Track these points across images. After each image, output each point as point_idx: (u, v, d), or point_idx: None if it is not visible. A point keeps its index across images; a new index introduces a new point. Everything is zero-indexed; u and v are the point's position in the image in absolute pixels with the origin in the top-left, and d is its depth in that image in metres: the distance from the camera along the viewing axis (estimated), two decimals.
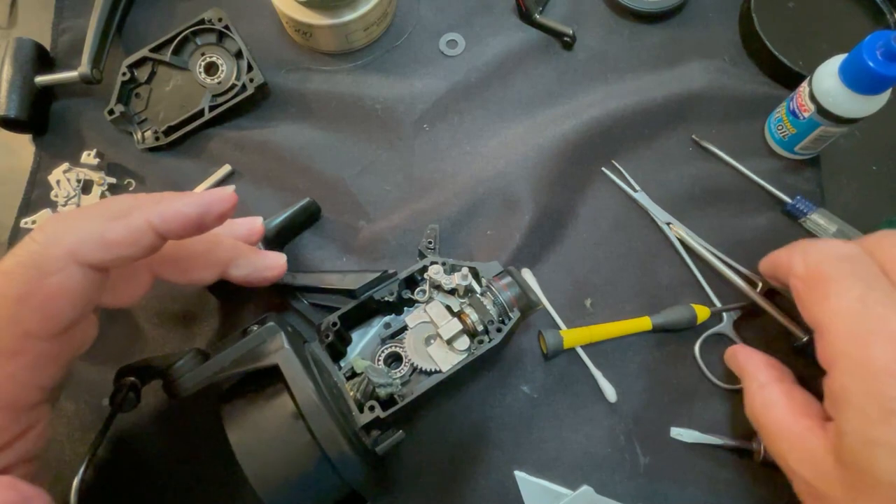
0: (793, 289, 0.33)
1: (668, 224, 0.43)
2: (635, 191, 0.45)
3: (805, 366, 0.30)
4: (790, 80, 0.47)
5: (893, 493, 0.25)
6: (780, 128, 0.44)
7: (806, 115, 0.41)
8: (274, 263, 0.37)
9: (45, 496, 0.28)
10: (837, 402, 0.28)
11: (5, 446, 0.28)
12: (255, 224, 0.38)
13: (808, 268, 0.32)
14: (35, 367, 0.28)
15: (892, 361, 0.26)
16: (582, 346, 0.41)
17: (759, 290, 0.41)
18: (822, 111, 0.40)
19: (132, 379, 0.34)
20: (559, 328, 0.41)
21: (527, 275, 0.43)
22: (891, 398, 0.26)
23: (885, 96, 0.39)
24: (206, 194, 0.31)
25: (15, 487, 0.27)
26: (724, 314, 0.42)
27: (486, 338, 0.35)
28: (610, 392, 0.40)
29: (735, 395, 0.40)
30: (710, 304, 0.42)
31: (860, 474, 0.27)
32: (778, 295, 0.41)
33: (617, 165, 0.46)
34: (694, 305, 0.41)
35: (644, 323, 0.41)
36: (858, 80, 0.38)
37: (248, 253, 0.36)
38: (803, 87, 0.42)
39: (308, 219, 0.44)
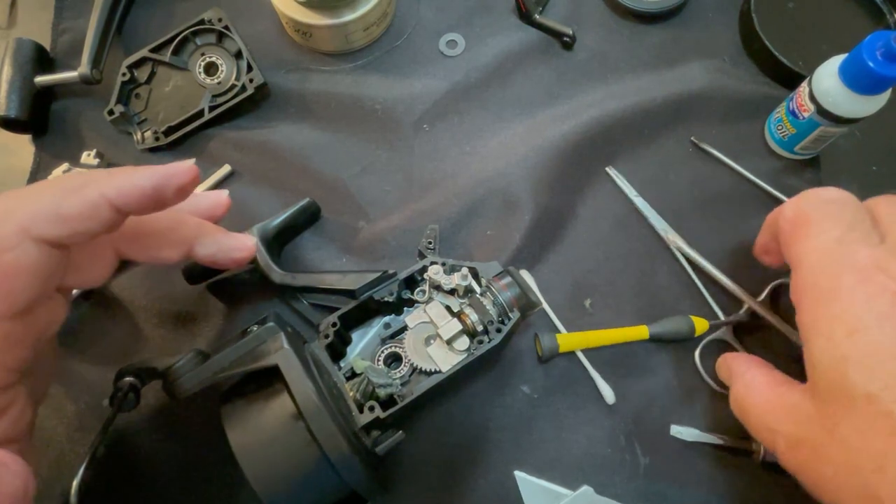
0: (780, 233, 0.34)
1: (667, 235, 0.43)
2: (635, 196, 0.45)
3: (802, 373, 0.30)
4: (790, 80, 0.47)
5: (868, 404, 0.26)
6: (779, 128, 0.44)
7: (806, 115, 0.41)
8: (241, 245, 0.36)
9: (18, 462, 0.27)
10: (808, 333, 0.29)
11: None
12: (219, 197, 0.37)
13: (795, 210, 0.33)
14: (0, 348, 0.27)
15: (856, 285, 0.28)
16: (582, 350, 0.41)
17: (759, 298, 0.41)
18: (821, 111, 0.40)
19: (132, 379, 0.34)
20: (558, 330, 0.41)
21: (525, 276, 0.43)
22: (854, 316, 0.27)
23: (884, 96, 0.39)
24: (164, 167, 0.30)
25: None
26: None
27: (485, 338, 0.35)
28: (608, 394, 0.40)
29: None
30: (709, 309, 0.42)
31: (835, 398, 0.28)
32: (778, 303, 0.41)
33: (612, 171, 0.46)
34: (693, 318, 0.41)
35: (641, 332, 0.40)
36: (858, 80, 0.38)
37: (214, 232, 0.36)
38: (803, 88, 0.42)
39: (308, 219, 0.44)
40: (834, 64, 0.39)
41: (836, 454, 0.28)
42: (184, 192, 0.31)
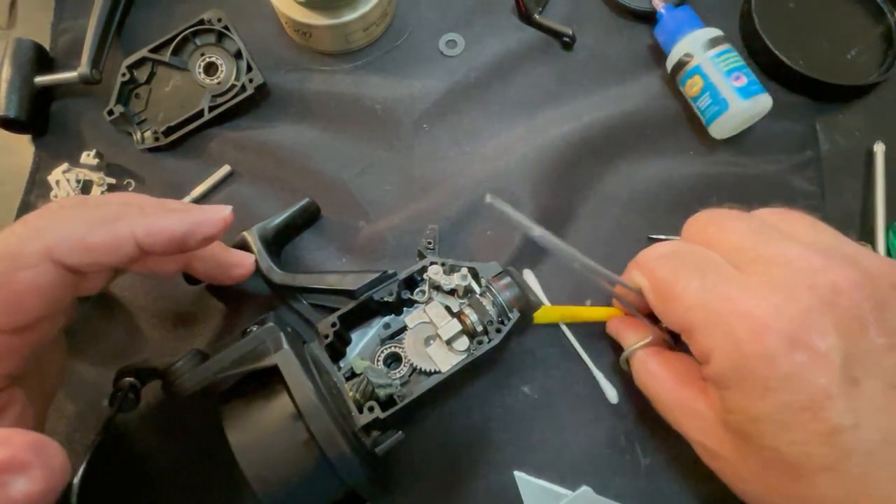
0: (651, 304, 0.33)
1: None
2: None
3: None
4: (790, 80, 0.47)
5: (776, 455, 0.27)
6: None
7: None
8: (240, 261, 0.36)
9: (53, 444, 0.25)
10: (720, 386, 0.29)
11: None
12: (221, 213, 0.34)
13: (649, 280, 0.32)
14: None
15: (754, 341, 0.26)
16: (584, 349, 0.41)
17: None
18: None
19: (131, 380, 0.34)
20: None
21: (528, 276, 0.43)
22: (764, 377, 0.26)
23: None
24: (197, 213, 0.31)
25: (6, 442, 0.23)
26: None
27: (485, 338, 0.35)
28: (611, 393, 0.40)
29: None
30: None
31: (746, 441, 0.28)
32: None
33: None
34: None
35: (616, 311, 0.40)
36: None
37: (214, 247, 0.36)
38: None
39: (307, 219, 0.44)
40: None
41: (748, 478, 0.29)
42: (210, 241, 0.31)
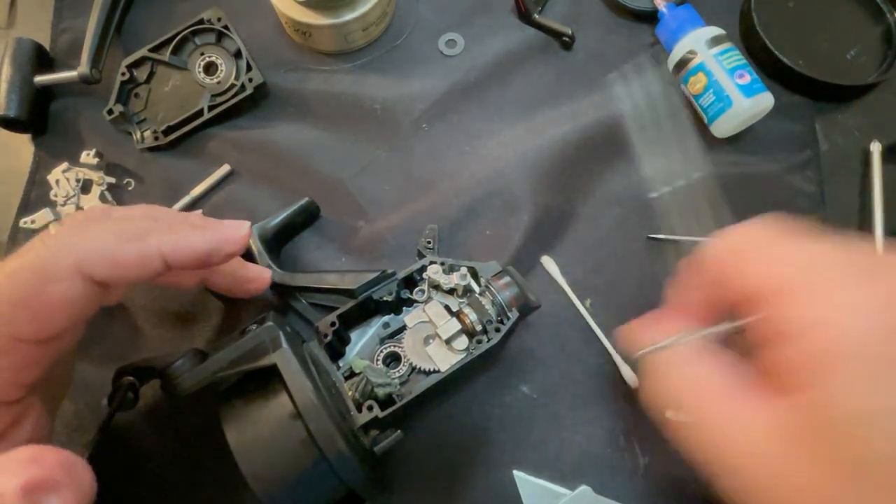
0: (716, 271, 0.27)
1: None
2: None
3: None
4: (790, 79, 0.47)
5: (889, 468, 0.20)
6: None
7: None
8: (256, 276, 0.37)
9: (81, 461, 0.25)
10: (813, 369, 0.22)
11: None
12: (240, 230, 0.35)
13: (730, 238, 0.26)
14: (17, 367, 0.28)
15: (884, 310, 0.21)
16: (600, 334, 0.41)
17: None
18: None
19: (130, 379, 0.34)
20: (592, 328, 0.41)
21: (548, 262, 0.43)
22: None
23: None
24: (222, 230, 0.32)
25: (40, 460, 0.23)
26: None
27: (484, 337, 0.35)
28: (630, 377, 0.39)
29: None
30: None
31: (843, 457, 0.21)
32: None
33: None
34: None
35: None
36: None
37: (233, 262, 0.37)
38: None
39: (307, 219, 0.44)
40: None
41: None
42: (232, 257, 0.32)
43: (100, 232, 0.29)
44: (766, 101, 0.43)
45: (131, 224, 0.30)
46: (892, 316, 0.21)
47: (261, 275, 0.37)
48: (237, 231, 0.33)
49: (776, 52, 0.46)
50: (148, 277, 0.30)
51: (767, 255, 0.24)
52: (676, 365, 0.27)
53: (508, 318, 0.35)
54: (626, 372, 0.40)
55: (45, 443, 0.31)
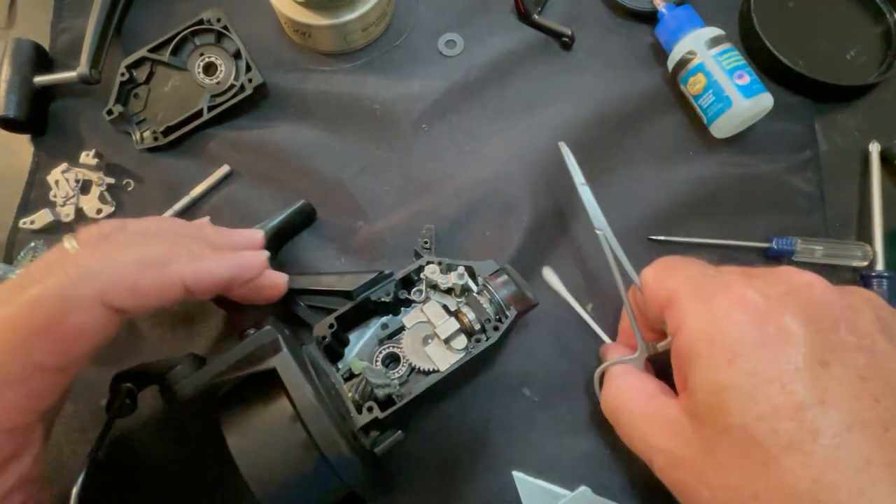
0: (644, 295, 0.34)
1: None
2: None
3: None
4: (790, 80, 0.47)
5: (743, 434, 0.26)
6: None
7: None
8: (272, 283, 0.36)
9: None
10: (688, 360, 0.29)
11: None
12: (254, 237, 0.38)
13: (649, 272, 0.34)
14: (35, 394, 0.28)
15: (731, 306, 0.28)
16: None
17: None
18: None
19: (129, 385, 0.34)
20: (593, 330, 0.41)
21: (548, 273, 0.42)
22: (733, 342, 0.27)
23: None
24: (242, 259, 0.33)
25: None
26: None
27: (483, 336, 0.35)
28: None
29: None
30: None
31: (713, 423, 0.27)
32: None
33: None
34: None
35: None
36: None
37: None
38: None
39: (304, 221, 0.44)
40: None
41: (713, 478, 0.28)
42: (251, 282, 0.33)
43: (121, 259, 0.29)
44: (765, 101, 0.43)
45: (151, 249, 0.30)
46: (730, 321, 0.27)
47: (276, 280, 0.36)
48: (256, 259, 0.33)
49: (776, 53, 0.46)
50: (169, 304, 0.30)
51: (664, 278, 0.32)
52: (615, 377, 0.35)
53: (507, 317, 0.35)
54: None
55: (42, 458, 0.31)
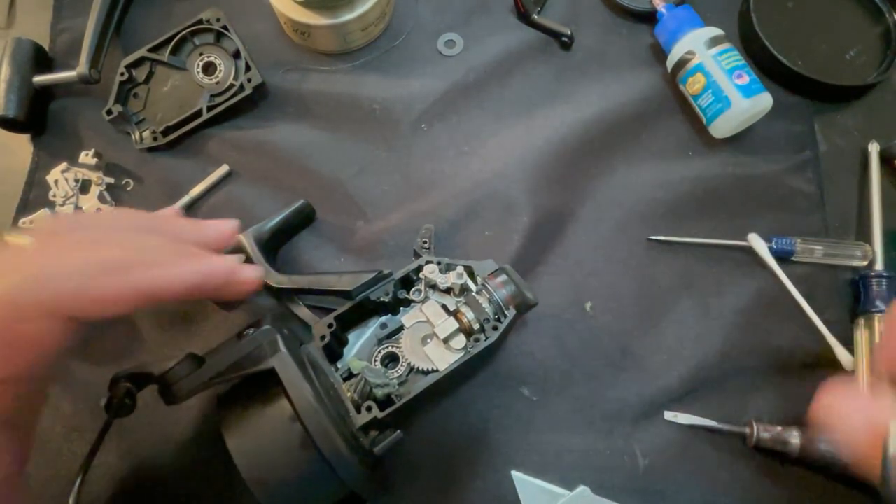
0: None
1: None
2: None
3: None
4: (790, 80, 0.47)
5: None
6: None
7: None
8: (246, 277, 0.34)
9: None
10: None
11: None
12: (225, 229, 0.35)
13: None
14: None
15: None
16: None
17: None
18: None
19: (128, 385, 0.34)
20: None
21: (754, 238, 0.42)
22: None
23: None
24: (208, 267, 0.30)
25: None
26: None
27: (482, 336, 0.35)
28: (847, 360, 0.39)
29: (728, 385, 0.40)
30: None
31: None
32: None
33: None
34: None
35: None
36: None
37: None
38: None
39: (303, 221, 0.44)
40: None
41: None
42: (221, 290, 0.31)
43: (75, 263, 0.27)
44: (765, 101, 0.43)
45: (105, 252, 0.28)
46: None
47: (251, 274, 0.34)
48: (222, 266, 0.31)
49: (775, 53, 0.46)
50: (129, 313, 0.28)
51: None
52: None
53: (506, 317, 0.35)
54: (841, 353, 0.40)
55: (19, 469, 0.29)
